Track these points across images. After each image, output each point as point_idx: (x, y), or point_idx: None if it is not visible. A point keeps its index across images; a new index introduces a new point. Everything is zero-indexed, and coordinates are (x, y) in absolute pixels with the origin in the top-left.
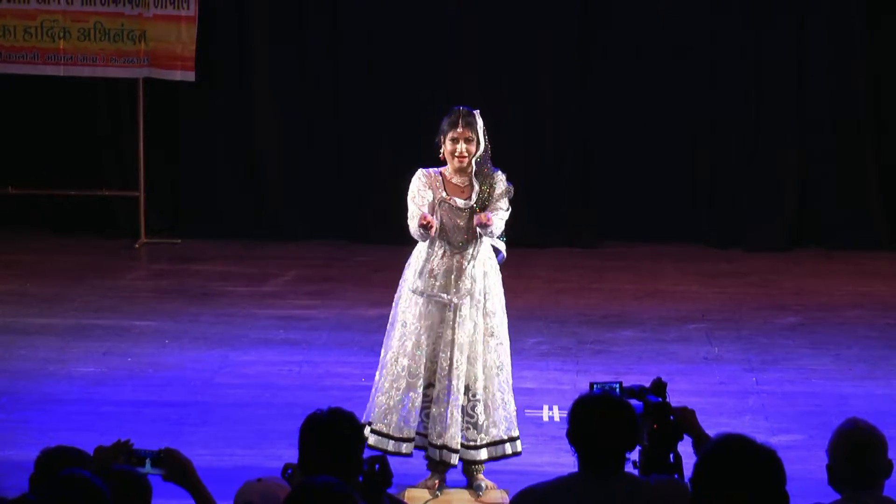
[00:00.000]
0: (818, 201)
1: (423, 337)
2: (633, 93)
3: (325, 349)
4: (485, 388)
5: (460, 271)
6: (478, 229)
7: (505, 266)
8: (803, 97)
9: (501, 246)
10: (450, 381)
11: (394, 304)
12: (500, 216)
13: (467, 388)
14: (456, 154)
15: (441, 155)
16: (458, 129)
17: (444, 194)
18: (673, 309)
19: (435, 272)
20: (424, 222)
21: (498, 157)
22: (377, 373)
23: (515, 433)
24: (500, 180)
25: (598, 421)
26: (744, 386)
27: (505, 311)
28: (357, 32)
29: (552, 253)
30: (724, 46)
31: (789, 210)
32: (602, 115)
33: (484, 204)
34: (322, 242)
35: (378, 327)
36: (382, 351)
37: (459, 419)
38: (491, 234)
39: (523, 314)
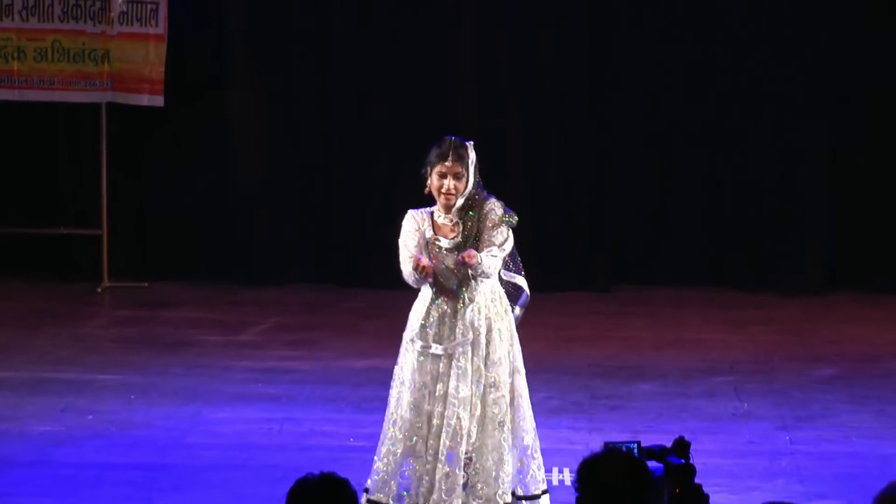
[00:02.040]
0: (856, 240)
1: (419, 393)
2: (650, 122)
3: (309, 405)
4: (481, 445)
5: (454, 318)
6: (466, 270)
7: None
8: (838, 128)
9: (522, 283)
10: (444, 440)
11: (398, 356)
12: (492, 252)
13: (461, 448)
14: (442, 190)
15: (427, 189)
16: (447, 163)
17: (431, 234)
18: (697, 360)
19: (428, 321)
20: (417, 265)
21: (500, 191)
22: (381, 436)
23: (508, 498)
24: (494, 207)
25: (608, 484)
26: (776, 446)
27: (519, 357)
28: (347, 57)
29: (562, 298)
30: (749, 76)
31: (824, 250)
32: (615, 146)
33: (472, 240)
34: (306, 286)
35: (367, 380)
36: (386, 412)
37: (457, 483)
38: (483, 275)
39: (530, 366)
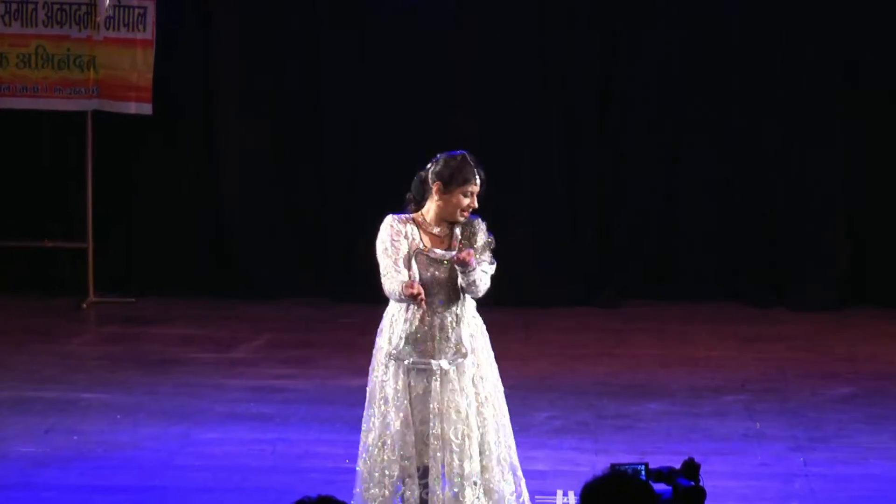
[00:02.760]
0: (872, 253)
1: (410, 414)
2: (659, 133)
3: (304, 425)
4: (483, 467)
5: (443, 332)
6: (457, 267)
7: (512, 329)
8: (854, 139)
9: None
10: (443, 461)
11: (369, 377)
12: (484, 268)
13: (462, 467)
14: (464, 208)
15: (430, 196)
16: (475, 185)
17: (420, 245)
18: (707, 378)
19: (414, 336)
20: (411, 292)
21: (503, 203)
22: (359, 461)
23: None
24: (481, 230)
25: None
26: (790, 468)
27: (498, 376)
28: (341, 68)
29: (566, 313)
30: (762, 86)
31: (840, 263)
32: (622, 155)
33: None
34: (300, 301)
35: (363, 399)
36: (362, 436)
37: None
38: (472, 285)
39: (533, 384)
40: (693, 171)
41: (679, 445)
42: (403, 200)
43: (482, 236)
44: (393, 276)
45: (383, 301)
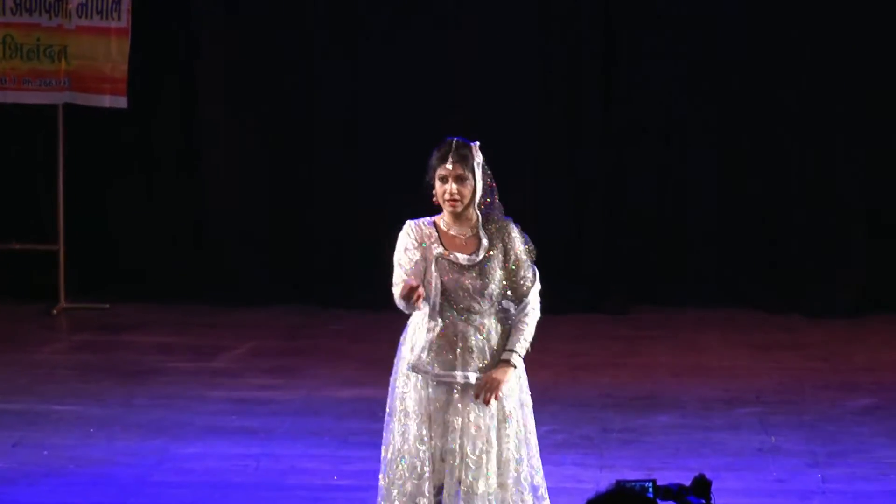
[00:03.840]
0: (892, 257)
1: (426, 427)
2: (668, 133)
3: (289, 439)
4: (500, 485)
5: (466, 343)
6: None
7: None
8: (870, 140)
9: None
10: (459, 478)
11: (390, 388)
12: (528, 317)
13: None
14: (446, 197)
15: (434, 198)
16: (447, 166)
17: (441, 249)
18: (719, 389)
19: (436, 346)
20: (407, 291)
21: (507, 207)
22: (380, 475)
23: None
24: (515, 235)
25: None
26: (807, 484)
27: (526, 389)
28: (333, 68)
29: (571, 320)
30: (774, 87)
31: (858, 268)
32: (630, 157)
33: (498, 264)
34: (286, 307)
35: (353, 412)
36: (382, 449)
37: None
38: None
39: (535, 395)
40: (704, 171)
41: (689, 461)
42: (398, 203)
43: (519, 244)
44: (399, 285)
45: (375, 308)
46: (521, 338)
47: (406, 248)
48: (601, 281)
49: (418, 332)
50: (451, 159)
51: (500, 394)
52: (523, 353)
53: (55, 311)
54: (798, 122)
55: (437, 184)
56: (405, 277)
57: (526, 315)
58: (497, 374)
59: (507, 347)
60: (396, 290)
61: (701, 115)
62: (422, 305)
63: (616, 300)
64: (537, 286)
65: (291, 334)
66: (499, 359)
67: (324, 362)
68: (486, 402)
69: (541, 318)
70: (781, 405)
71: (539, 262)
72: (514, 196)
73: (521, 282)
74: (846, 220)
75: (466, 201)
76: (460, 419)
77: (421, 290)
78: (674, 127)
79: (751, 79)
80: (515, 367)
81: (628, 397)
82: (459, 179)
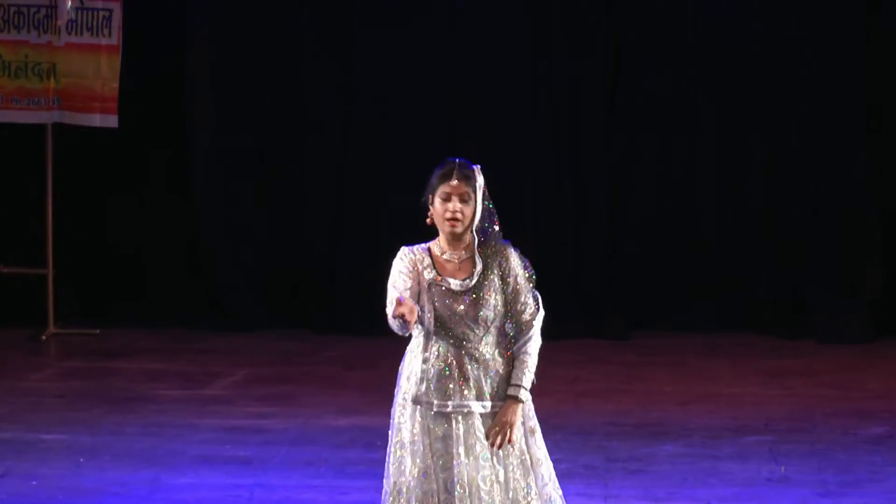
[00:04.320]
0: None
1: (430, 459)
2: (673, 149)
3: (284, 469)
4: None
5: (463, 372)
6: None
7: None
8: (883, 160)
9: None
10: None
11: (391, 419)
12: (529, 348)
13: None
14: (447, 215)
15: (429, 219)
16: (452, 183)
17: (433, 275)
18: (728, 416)
19: (432, 376)
20: (399, 311)
21: (505, 227)
22: None
23: None
24: (516, 262)
25: None
26: None
27: (533, 416)
28: (327, 83)
29: (573, 346)
30: (781, 105)
31: (872, 292)
32: (633, 175)
33: (493, 289)
34: (281, 333)
35: (350, 441)
36: (384, 482)
37: None
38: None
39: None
40: (710, 194)
41: (696, 491)
42: (393, 227)
43: (519, 269)
44: (393, 304)
45: (375, 333)
46: (526, 370)
47: (400, 272)
48: (603, 305)
49: (414, 361)
50: (455, 177)
51: (513, 437)
52: (529, 385)
53: (44, 337)
54: (811, 141)
55: (438, 202)
56: (397, 294)
57: (528, 344)
58: (507, 415)
59: (514, 382)
60: (390, 311)
61: (705, 140)
62: (415, 327)
63: (619, 325)
64: (541, 314)
65: (286, 360)
66: (502, 391)
67: (320, 389)
68: (500, 447)
69: (542, 344)
70: (792, 433)
71: (539, 285)
72: (513, 218)
73: (522, 308)
74: (860, 243)
75: (467, 222)
76: (463, 450)
77: (408, 307)
78: (677, 149)
79: (765, 97)
80: (524, 402)
81: (633, 425)
82: (462, 198)
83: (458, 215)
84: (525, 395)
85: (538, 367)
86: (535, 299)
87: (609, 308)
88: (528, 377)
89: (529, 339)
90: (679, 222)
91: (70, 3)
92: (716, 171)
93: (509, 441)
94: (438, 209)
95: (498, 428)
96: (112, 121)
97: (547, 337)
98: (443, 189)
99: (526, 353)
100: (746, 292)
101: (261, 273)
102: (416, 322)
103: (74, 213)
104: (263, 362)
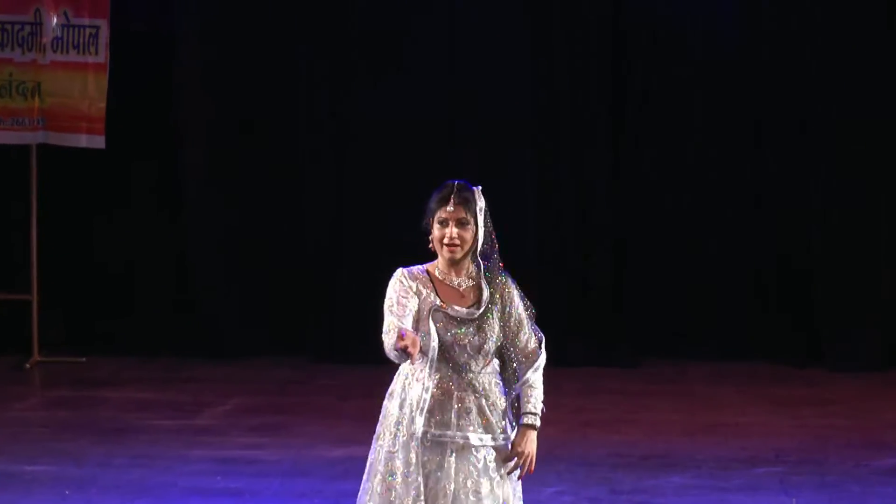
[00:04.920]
0: None
1: (423, 490)
2: (682, 173)
3: (277, 502)
4: None
5: (463, 403)
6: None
7: None
8: None
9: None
10: None
11: (372, 446)
12: (536, 379)
13: None
14: (445, 241)
15: (431, 245)
16: (449, 208)
17: (437, 301)
18: (737, 447)
19: (432, 404)
20: (402, 344)
21: (505, 249)
22: None
23: None
24: (516, 294)
25: None
26: None
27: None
28: (324, 101)
29: (577, 374)
30: (793, 126)
31: (885, 318)
32: (640, 199)
33: (492, 319)
34: (273, 361)
35: (345, 472)
36: None
37: None
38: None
39: (539, 454)
40: (717, 219)
41: None
42: (391, 249)
43: (519, 301)
44: (393, 333)
45: (369, 361)
46: (535, 396)
47: (399, 296)
48: (608, 332)
49: (410, 388)
50: (452, 201)
51: (532, 467)
52: (540, 412)
53: (28, 365)
54: (821, 162)
55: (436, 227)
56: (399, 325)
57: (536, 372)
58: (526, 445)
59: (527, 410)
60: (388, 339)
61: (713, 158)
62: (417, 359)
63: (624, 352)
64: (544, 346)
65: (279, 389)
66: (500, 423)
67: (314, 419)
68: (520, 478)
69: (544, 372)
70: (803, 465)
71: (544, 311)
72: (517, 242)
73: (526, 340)
74: (873, 269)
75: (467, 247)
76: (453, 485)
77: (411, 339)
78: (688, 173)
79: (774, 115)
80: (537, 428)
81: (639, 456)
82: (461, 223)
83: (456, 241)
84: (538, 422)
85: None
86: (538, 333)
87: (614, 335)
88: (538, 405)
89: (536, 368)
90: (688, 249)
91: (56, 20)
92: (724, 201)
93: (530, 471)
94: (437, 234)
95: (521, 459)
96: (99, 141)
97: (552, 364)
98: (440, 214)
99: (533, 383)
100: (755, 319)
101: (253, 300)
102: (418, 354)
103: (59, 236)
104: (256, 391)
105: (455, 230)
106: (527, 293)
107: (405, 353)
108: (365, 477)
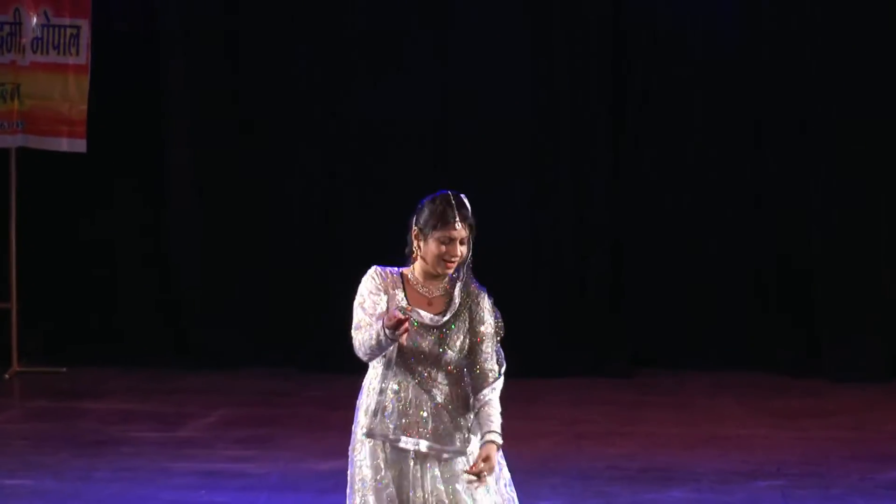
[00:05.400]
0: None
1: (395, 493)
2: (680, 176)
3: None
4: None
5: (419, 410)
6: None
7: (507, 403)
8: None
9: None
10: None
11: (349, 458)
12: (494, 395)
13: None
14: (445, 258)
15: (414, 254)
16: (457, 226)
17: (404, 303)
18: (738, 460)
19: (389, 410)
20: (396, 317)
21: (499, 257)
22: None
23: None
24: (486, 308)
25: None
26: None
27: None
28: (315, 106)
29: (572, 384)
30: (792, 130)
31: (886, 321)
32: (636, 203)
33: (457, 330)
34: (260, 371)
35: (335, 486)
36: None
37: None
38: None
39: (532, 467)
40: (717, 226)
41: None
42: (385, 252)
43: (488, 317)
44: (365, 328)
45: (361, 371)
46: (495, 415)
47: (370, 292)
48: (604, 342)
49: (371, 392)
50: (458, 220)
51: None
52: (494, 413)
53: (7, 376)
54: (822, 169)
55: (433, 244)
56: (368, 321)
57: (492, 393)
58: (490, 457)
59: (488, 429)
60: (358, 335)
61: (712, 166)
62: (403, 338)
63: (621, 363)
64: (503, 368)
65: (266, 401)
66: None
67: (302, 431)
68: (477, 487)
69: (536, 382)
70: (805, 478)
71: (537, 320)
72: (511, 252)
73: (484, 357)
74: (873, 269)
75: (460, 262)
76: (421, 491)
77: (406, 321)
78: (687, 173)
79: (774, 120)
80: (500, 445)
81: (637, 469)
82: (463, 241)
83: (457, 259)
84: (500, 439)
85: (532, 405)
86: (499, 353)
87: (610, 344)
88: (498, 422)
89: (494, 389)
90: (686, 257)
91: (35, 19)
92: (725, 206)
93: (483, 481)
94: (433, 250)
95: (483, 466)
96: (80, 145)
97: (546, 374)
98: (443, 233)
99: (489, 401)
100: (756, 328)
101: (241, 308)
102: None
103: (39, 243)
104: (243, 402)
105: (459, 248)
106: (519, 304)
107: (398, 326)
108: (349, 491)
